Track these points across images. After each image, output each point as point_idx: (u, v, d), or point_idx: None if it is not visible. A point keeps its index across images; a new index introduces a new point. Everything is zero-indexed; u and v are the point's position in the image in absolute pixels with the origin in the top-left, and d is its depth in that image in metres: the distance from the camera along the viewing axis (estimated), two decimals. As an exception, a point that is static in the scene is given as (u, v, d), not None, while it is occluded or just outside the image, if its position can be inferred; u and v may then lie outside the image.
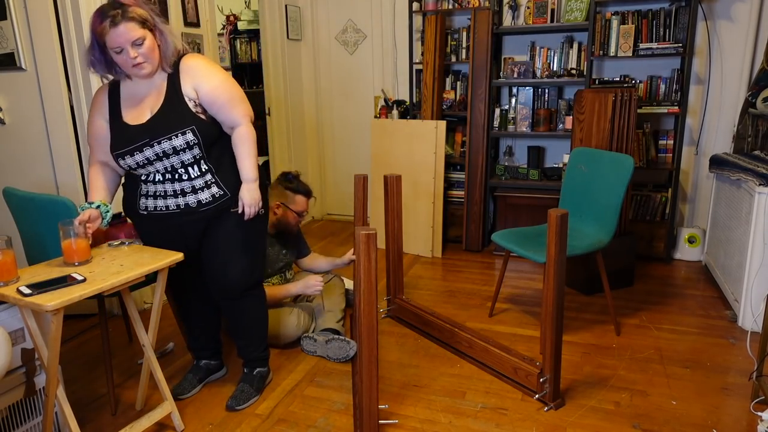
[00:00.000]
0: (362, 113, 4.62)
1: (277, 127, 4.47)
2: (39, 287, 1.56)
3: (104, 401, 2.19)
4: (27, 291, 1.54)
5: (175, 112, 1.84)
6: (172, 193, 1.91)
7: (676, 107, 3.46)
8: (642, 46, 3.45)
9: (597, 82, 3.68)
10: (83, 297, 1.56)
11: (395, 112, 4.04)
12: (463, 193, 3.95)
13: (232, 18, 5.28)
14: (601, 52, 3.57)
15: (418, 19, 4.14)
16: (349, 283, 3.00)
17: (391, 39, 4.37)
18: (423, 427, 2.00)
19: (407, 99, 4.21)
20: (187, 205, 1.92)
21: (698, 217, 3.81)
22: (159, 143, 1.82)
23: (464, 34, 3.96)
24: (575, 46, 3.74)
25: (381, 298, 3.13)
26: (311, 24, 4.62)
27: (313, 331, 2.59)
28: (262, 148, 4.63)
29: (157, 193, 1.92)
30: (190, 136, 1.83)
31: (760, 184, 2.55)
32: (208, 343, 2.31)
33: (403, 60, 4.28)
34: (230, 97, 1.91)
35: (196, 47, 3.29)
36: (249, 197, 1.94)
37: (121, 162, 1.88)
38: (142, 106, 1.87)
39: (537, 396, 2.12)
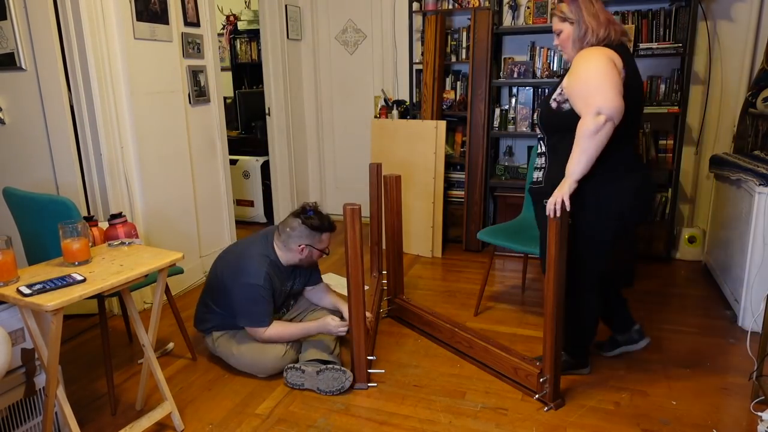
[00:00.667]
0: (362, 113, 4.62)
1: (277, 127, 4.47)
2: (39, 287, 1.56)
3: (104, 401, 2.19)
4: (27, 291, 1.54)
5: (548, 95, 2.10)
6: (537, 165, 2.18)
7: (676, 107, 3.45)
8: (642, 46, 3.45)
9: (597, 82, 3.67)
10: (83, 297, 1.56)
11: (395, 112, 4.04)
12: (463, 193, 3.95)
13: (232, 18, 5.28)
14: (601, 52, 3.57)
15: (418, 19, 4.14)
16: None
17: (391, 39, 4.37)
18: (423, 427, 2.00)
19: (407, 99, 4.21)
20: (532, 178, 2.21)
21: (698, 217, 3.81)
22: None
23: (464, 34, 3.96)
24: (575, 46, 3.73)
25: (366, 270, 3.19)
26: (311, 24, 4.62)
27: (297, 362, 2.30)
28: (263, 147, 4.66)
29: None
30: (536, 116, 2.04)
31: (760, 184, 2.55)
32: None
33: (403, 60, 4.28)
34: (577, 91, 1.93)
35: (196, 47, 3.29)
36: (555, 194, 1.92)
37: None
38: None
39: (537, 396, 2.12)
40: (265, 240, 2.39)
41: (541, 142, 2.13)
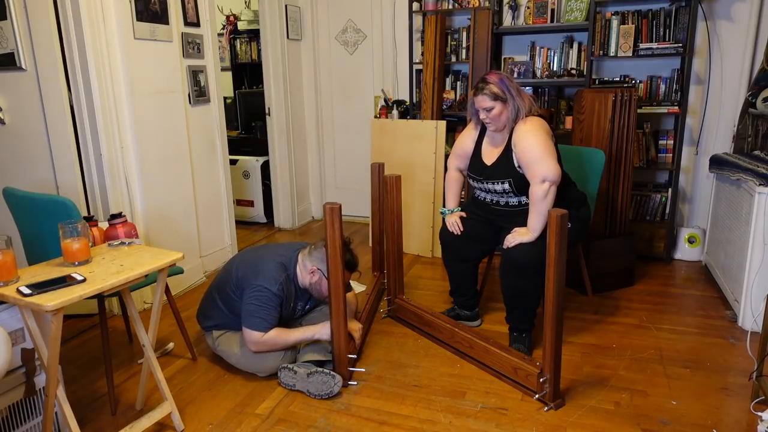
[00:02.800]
0: (362, 113, 4.62)
1: (277, 127, 4.47)
2: (39, 287, 1.56)
3: (104, 401, 2.19)
4: (27, 291, 1.54)
5: (503, 165, 2.43)
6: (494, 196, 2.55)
7: (676, 107, 3.46)
8: (642, 46, 3.45)
9: (597, 82, 3.68)
10: (83, 297, 1.56)
11: (395, 112, 4.04)
12: (463, 192, 3.94)
13: (232, 18, 5.28)
14: (601, 52, 3.57)
15: (418, 19, 4.14)
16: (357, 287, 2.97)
17: (391, 39, 4.37)
18: (423, 427, 2.00)
19: (407, 99, 4.21)
20: (497, 202, 2.55)
21: (698, 217, 3.81)
22: (487, 183, 2.48)
23: (464, 34, 3.96)
24: (575, 46, 3.74)
25: (366, 271, 3.46)
26: (311, 24, 4.62)
27: (295, 362, 2.31)
28: (263, 147, 4.66)
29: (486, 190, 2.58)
30: (506, 186, 2.42)
31: (760, 184, 2.55)
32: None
33: (403, 60, 4.28)
34: (524, 161, 2.33)
35: (196, 47, 3.29)
36: (517, 237, 2.35)
37: (469, 180, 2.62)
38: (492, 152, 2.50)
39: (537, 396, 2.12)
40: (291, 252, 2.38)
41: (510, 196, 2.46)
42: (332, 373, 2.19)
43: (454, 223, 2.64)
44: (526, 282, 2.36)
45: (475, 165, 2.56)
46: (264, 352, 2.28)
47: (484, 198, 2.56)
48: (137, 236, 2.25)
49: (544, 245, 2.04)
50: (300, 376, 2.21)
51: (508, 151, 2.42)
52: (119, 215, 2.26)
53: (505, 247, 2.38)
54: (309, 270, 2.31)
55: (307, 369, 2.21)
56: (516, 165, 2.39)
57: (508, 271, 2.41)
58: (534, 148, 2.30)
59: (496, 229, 2.59)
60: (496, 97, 2.34)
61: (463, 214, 2.67)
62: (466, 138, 2.63)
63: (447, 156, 3.88)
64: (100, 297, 2.05)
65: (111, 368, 2.15)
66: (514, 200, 2.47)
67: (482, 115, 2.41)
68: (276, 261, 2.31)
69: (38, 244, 2.16)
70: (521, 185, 2.40)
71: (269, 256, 2.34)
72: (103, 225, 2.30)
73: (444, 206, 2.80)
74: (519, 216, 2.44)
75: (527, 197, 2.39)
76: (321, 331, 2.30)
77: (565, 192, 2.45)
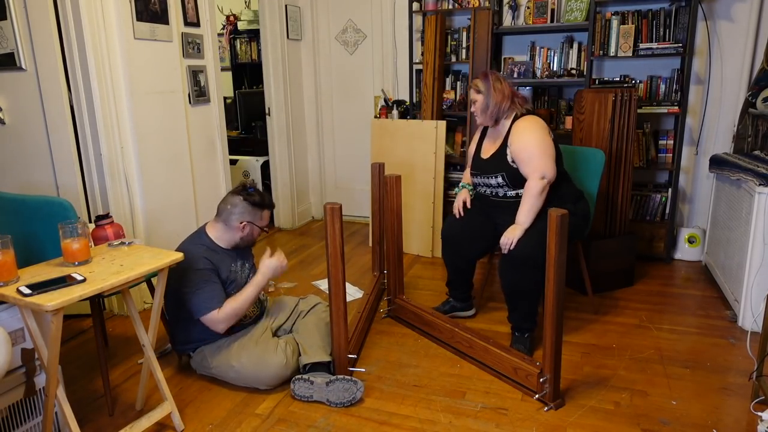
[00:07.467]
0: (362, 113, 4.62)
1: (277, 127, 4.47)
2: (39, 287, 1.56)
3: (104, 401, 2.19)
4: (27, 291, 1.54)
5: (497, 159, 2.51)
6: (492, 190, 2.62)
7: (676, 107, 3.45)
8: (642, 46, 3.45)
9: (597, 82, 3.68)
10: (83, 297, 1.56)
11: (395, 112, 4.04)
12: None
13: (232, 18, 5.28)
14: (601, 52, 3.57)
15: (418, 19, 4.14)
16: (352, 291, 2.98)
17: (391, 39, 4.37)
18: (423, 427, 2.00)
19: (407, 99, 4.21)
20: (497, 194, 2.60)
21: (698, 217, 3.81)
22: (483, 177, 2.58)
23: (464, 34, 3.96)
24: (575, 46, 3.74)
25: (366, 270, 3.54)
26: (311, 24, 4.62)
27: (299, 367, 2.26)
28: (263, 147, 4.66)
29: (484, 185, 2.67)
30: (499, 180, 2.50)
31: (760, 184, 2.55)
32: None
33: (403, 60, 4.28)
34: (523, 156, 2.41)
35: (196, 47, 3.29)
36: (509, 233, 2.41)
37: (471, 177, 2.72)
38: (490, 148, 2.59)
39: (537, 396, 2.12)
40: (196, 233, 2.35)
41: (506, 189, 2.53)
42: (353, 379, 2.13)
43: (457, 207, 2.72)
44: (524, 277, 2.38)
45: (475, 160, 2.67)
46: (229, 325, 2.20)
47: (484, 191, 2.63)
48: (125, 236, 2.23)
49: (541, 239, 2.06)
50: (318, 385, 2.13)
51: (503, 147, 2.50)
52: (106, 216, 2.25)
53: (505, 251, 2.43)
54: (239, 226, 2.25)
55: (325, 378, 2.14)
56: (509, 160, 2.46)
57: (507, 266, 2.44)
58: (534, 145, 2.40)
59: (494, 226, 2.61)
60: (478, 91, 2.53)
61: (470, 196, 2.73)
62: (474, 139, 2.78)
63: (447, 156, 3.89)
64: (93, 297, 2.04)
65: (107, 369, 2.15)
66: (511, 192, 2.53)
67: (471, 108, 2.59)
68: (186, 246, 2.25)
69: (35, 247, 2.13)
70: (514, 179, 2.47)
71: (179, 249, 2.20)
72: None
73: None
74: (516, 208, 2.47)
75: (522, 189, 2.46)
76: (262, 274, 2.26)
77: (561, 186, 2.50)
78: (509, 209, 2.49)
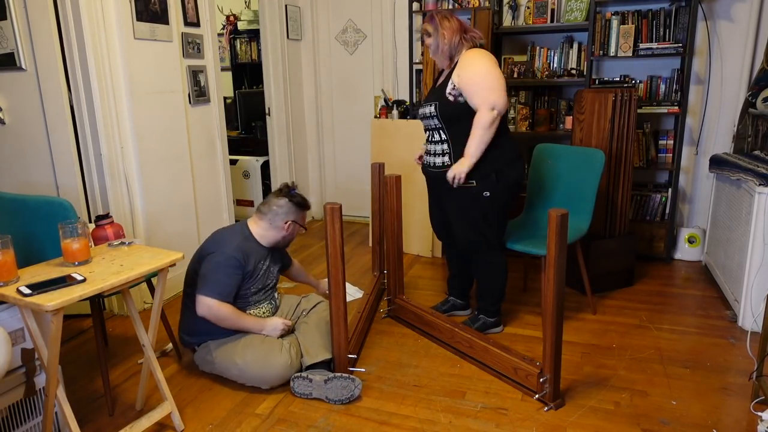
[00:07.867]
0: (362, 113, 4.62)
1: (277, 127, 4.47)
2: (39, 287, 1.56)
3: (104, 401, 2.19)
4: (27, 291, 1.54)
5: (438, 89, 2.47)
6: (431, 152, 2.55)
7: (676, 107, 3.46)
8: (642, 46, 3.45)
9: (597, 82, 3.68)
10: (83, 297, 1.56)
11: (395, 112, 4.03)
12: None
13: (232, 18, 5.28)
14: (601, 52, 3.57)
15: (418, 19, 4.14)
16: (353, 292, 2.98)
17: (391, 39, 4.37)
18: (423, 427, 2.00)
19: (407, 99, 4.21)
20: (434, 164, 2.53)
21: (698, 217, 3.81)
22: (422, 107, 2.52)
23: (464, 34, 3.95)
24: (575, 46, 3.74)
25: (366, 271, 3.57)
26: (311, 24, 4.62)
27: (301, 366, 2.27)
28: (263, 147, 4.66)
29: (427, 150, 2.59)
30: (432, 109, 2.43)
31: (760, 184, 2.55)
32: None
33: (403, 60, 4.28)
34: (473, 88, 2.33)
35: (196, 47, 3.29)
36: (455, 167, 2.37)
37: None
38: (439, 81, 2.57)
39: (537, 396, 2.12)
40: (237, 225, 2.46)
41: (439, 131, 2.48)
42: (351, 377, 2.16)
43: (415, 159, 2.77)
44: (476, 263, 2.59)
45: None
46: (209, 320, 2.20)
47: (426, 151, 2.59)
48: (125, 236, 2.24)
49: (475, 222, 2.39)
50: (316, 383, 2.16)
51: (447, 78, 2.44)
52: (106, 216, 2.25)
53: (454, 186, 2.39)
54: (284, 226, 2.37)
55: (323, 375, 2.17)
56: (448, 91, 2.39)
57: (464, 256, 2.65)
58: (482, 76, 2.33)
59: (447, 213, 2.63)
60: (429, 34, 2.48)
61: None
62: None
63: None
64: (93, 297, 2.04)
65: (107, 369, 2.15)
66: (438, 144, 2.48)
67: (430, 54, 2.57)
68: (228, 232, 2.39)
69: (32, 248, 2.12)
70: (444, 111, 2.40)
71: (218, 235, 2.37)
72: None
73: None
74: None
75: (451, 144, 2.45)
76: (268, 327, 2.29)
77: (499, 141, 2.40)
78: (444, 182, 2.45)
